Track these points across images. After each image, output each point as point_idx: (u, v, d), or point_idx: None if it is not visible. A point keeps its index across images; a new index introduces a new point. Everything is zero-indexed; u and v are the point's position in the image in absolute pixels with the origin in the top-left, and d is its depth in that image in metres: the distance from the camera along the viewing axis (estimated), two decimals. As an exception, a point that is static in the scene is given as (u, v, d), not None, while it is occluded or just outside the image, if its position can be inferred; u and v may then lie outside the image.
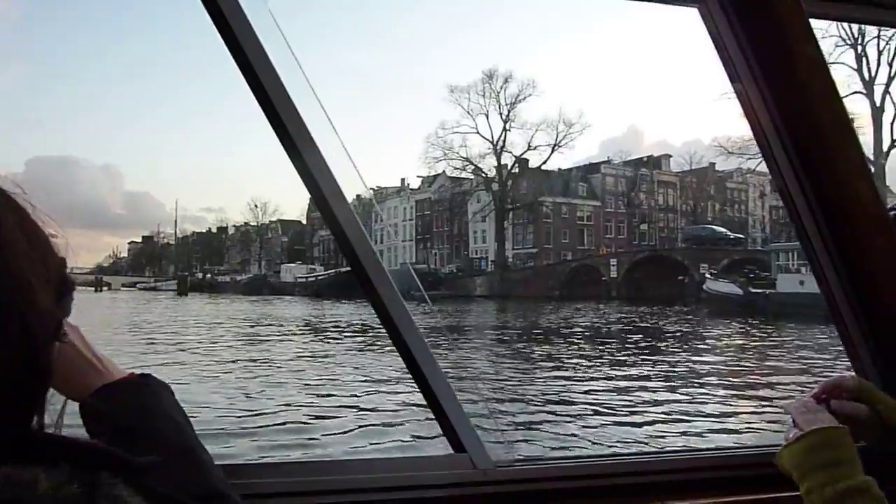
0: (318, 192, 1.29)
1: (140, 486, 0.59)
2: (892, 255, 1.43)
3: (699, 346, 19.14)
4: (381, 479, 1.28)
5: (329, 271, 63.68)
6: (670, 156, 77.23)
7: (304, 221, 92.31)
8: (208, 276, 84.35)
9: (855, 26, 37.33)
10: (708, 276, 38.62)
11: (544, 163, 67.78)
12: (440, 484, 1.31)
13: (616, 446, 8.10)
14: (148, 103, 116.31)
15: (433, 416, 1.40)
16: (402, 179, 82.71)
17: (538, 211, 67.25)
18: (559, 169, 71.18)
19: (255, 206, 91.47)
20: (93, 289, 75.34)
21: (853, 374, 1.31)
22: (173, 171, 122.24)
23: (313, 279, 64.48)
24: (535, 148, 66.99)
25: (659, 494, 1.40)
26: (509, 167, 67.47)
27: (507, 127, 66.55)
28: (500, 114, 66.56)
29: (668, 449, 6.93)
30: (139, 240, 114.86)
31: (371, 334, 19.17)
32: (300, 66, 1.29)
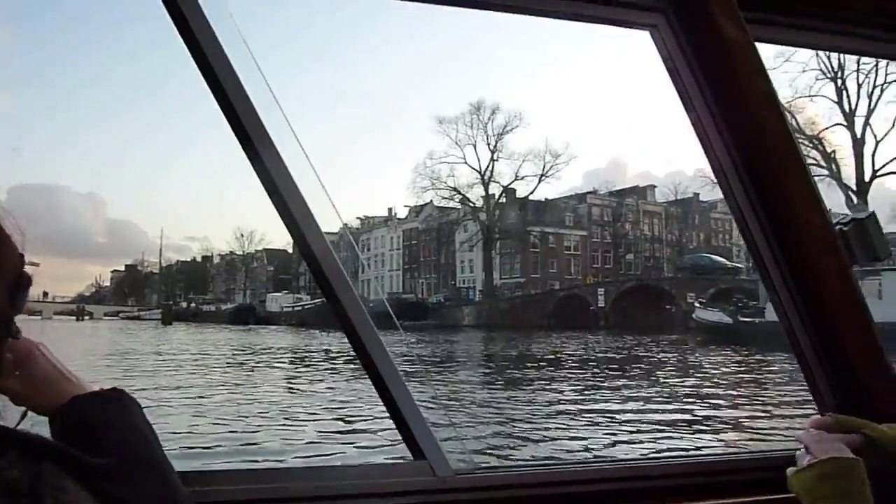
0: (291, 219, 1.30)
1: (93, 487, 0.60)
2: (840, 274, 1.43)
3: (694, 374, 19.09)
4: (339, 486, 1.29)
5: (315, 300, 63.16)
6: (655, 186, 78.11)
7: (291, 251, 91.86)
8: (193, 304, 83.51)
9: (835, 60, 38.28)
10: (697, 304, 38.76)
11: (531, 193, 68.29)
12: (399, 491, 1.32)
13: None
14: (132, 132, 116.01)
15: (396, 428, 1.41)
16: (390, 209, 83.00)
17: (526, 240, 67.47)
18: (546, 199, 71.76)
19: (241, 235, 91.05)
20: (74, 318, 74.19)
21: (830, 412, 1.35)
22: (157, 200, 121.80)
23: (300, 308, 63.94)
24: (522, 178, 67.52)
25: (631, 501, 1.40)
26: (497, 197, 67.87)
27: (495, 157, 67.12)
28: (488, 144, 67.17)
29: (639, 456, 7.21)
30: (122, 268, 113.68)
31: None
32: (275, 98, 1.33)
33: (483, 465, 1.57)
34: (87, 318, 76.16)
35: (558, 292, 60.10)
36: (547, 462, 4.18)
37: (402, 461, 1.40)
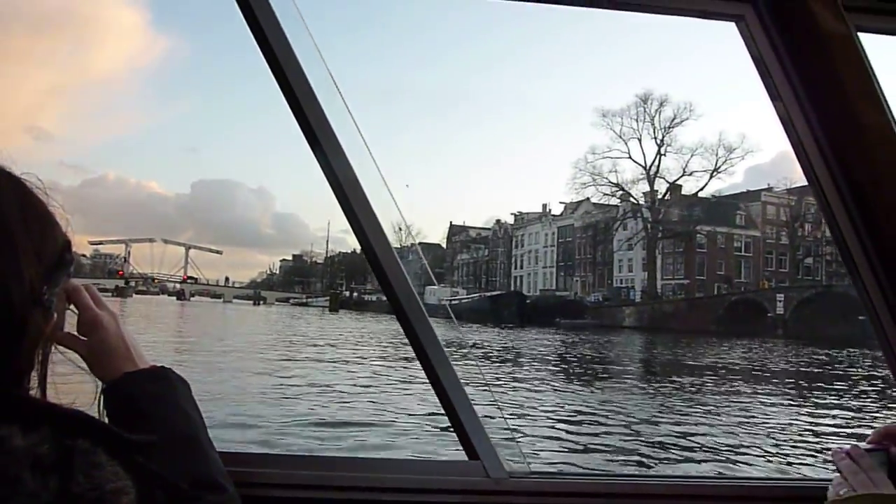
0: (348, 206, 1.35)
1: (129, 460, 0.61)
2: None
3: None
4: (388, 479, 1.30)
5: (472, 295, 63.91)
6: (841, 183, 70.62)
7: (444, 245, 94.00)
8: (356, 294, 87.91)
9: None
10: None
11: (701, 189, 64.52)
12: (451, 489, 1.31)
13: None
14: (295, 131, 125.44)
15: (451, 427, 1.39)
16: (544, 205, 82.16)
17: (691, 240, 63.82)
18: (713, 196, 67.35)
19: (399, 228, 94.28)
20: (251, 302, 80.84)
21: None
22: (318, 195, 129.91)
23: (456, 302, 65.08)
24: (690, 173, 64.09)
25: None
26: (661, 194, 64.84)
27: (662, 151, 64.23)
28: (654, 138, 64.45)
29: (704, 475, 6.50)
30: (289, 258, 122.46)
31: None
32: (339, 91, 1.38)
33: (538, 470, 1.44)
34: (261, 303, 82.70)
35: (728, 296, 56.43)
36: (612, 473, 4.06)
37: (455, 460, 1.39)
